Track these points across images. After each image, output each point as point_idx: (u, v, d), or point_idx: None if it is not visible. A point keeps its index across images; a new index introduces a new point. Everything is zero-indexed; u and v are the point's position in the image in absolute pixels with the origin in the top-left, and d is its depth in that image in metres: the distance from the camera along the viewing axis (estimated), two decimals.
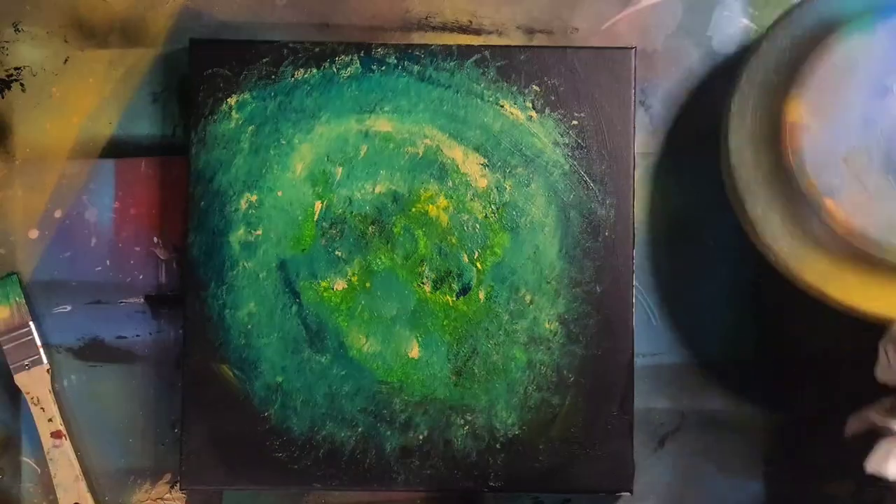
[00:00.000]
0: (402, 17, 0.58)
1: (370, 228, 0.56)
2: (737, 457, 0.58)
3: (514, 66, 0.56)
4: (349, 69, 0.56)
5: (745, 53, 0.56)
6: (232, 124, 0.55)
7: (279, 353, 0.55)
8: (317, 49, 0.56)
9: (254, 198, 0.55)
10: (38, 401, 0.56)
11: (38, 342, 0.57)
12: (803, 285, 0.53)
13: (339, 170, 0.56)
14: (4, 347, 0.57)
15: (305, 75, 0.56)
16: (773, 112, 0.53)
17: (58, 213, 0.58)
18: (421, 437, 0.55)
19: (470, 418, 0.55)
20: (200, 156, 0.55)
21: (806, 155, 0.52)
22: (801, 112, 0.53)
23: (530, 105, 0.56)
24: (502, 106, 0.56)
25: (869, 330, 0.59)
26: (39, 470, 0.58)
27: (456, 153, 0.56)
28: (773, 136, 0.53)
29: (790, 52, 0.54)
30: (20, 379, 0.56)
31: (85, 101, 0.58)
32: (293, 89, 0.56)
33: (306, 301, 0.55)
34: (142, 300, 0.58)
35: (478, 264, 0.55)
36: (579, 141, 0.56)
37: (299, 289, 0.55)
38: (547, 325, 0.55)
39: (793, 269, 0.53)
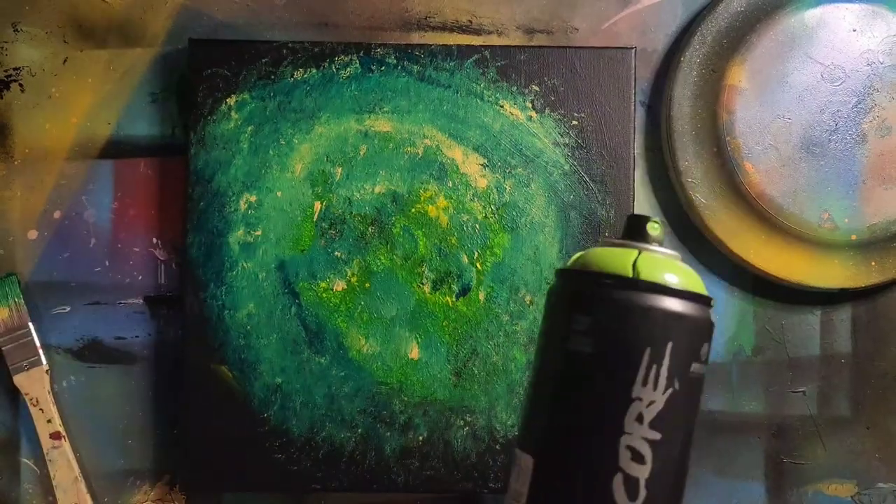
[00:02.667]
0: (402, 17, 0.58)
1: (369, 229, 0.55)
2: (737, 457, 0.58)
3: (514, 66, 0.55)
4: (349, 69, 0.55)
5: (703, 12, 0.58)
6: (231, 124, 0.55)
7: (278, 353, 0.55)
8: (316, 49, 0.55)
9: (253, 198, 0.55)
10: (37, 402, 0.56)
11: (37, 343, 0.57)
12: (710, 236, 0.57)
13: (339, 170, 0.55)
14: (3, 348, 0.56)
15: (305, 75, 0.55)
16: (716, 72, 0.56)
17: (57, 214, 0.58)
18: (421, 438, 0.55)
19: (470, 419, 0.55)
20: (199, 156, 0.55)
21: (737, 117, 0.56)
22: (741, 77, 0.56)
23: (530, 105, 0.55)
24: (502, 106, 0.55)
25: (869, 330, 0.59)
26: (38, 471, 0.57)
27: (456, 153, 0.55)
28: (712, 94, 0.56)
29: (742, 19, 0.56)
30: (19, 380, 0.56)
31: (84, 101, 0.58)
32: (293, 89, 0.55)
33: (306, 302, 0.55)
34: (141, 301, 0.58)
35: (477, 265, 0.55)
36: (579, 141, 0.55)
37: (298, 289, 0.55)
38: None
39: (704, 220, 0.56)
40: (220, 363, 0.55)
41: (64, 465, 0.56)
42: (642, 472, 0.33)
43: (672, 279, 0.35)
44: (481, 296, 0.55)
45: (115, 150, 0.58)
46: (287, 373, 0.55)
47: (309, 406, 0.55)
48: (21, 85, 0.58)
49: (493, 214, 0.55)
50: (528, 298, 0.55)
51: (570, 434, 0.34)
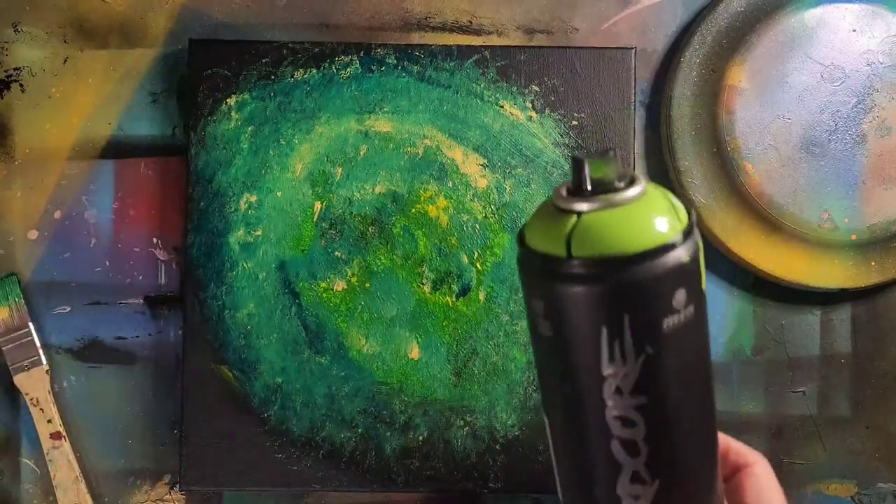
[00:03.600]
0: (402, 17, 0.58)
1: (370, 229, 0.56)
2: None
3: (514, 66, 0.55)
4: (349, 69, 0.56)
5: (703, 12, 0.58)
6: (231, 125, 0.55)
7: (279, 353, 0.55)
8: (316, 49, 0.55)
9: (253, 198, 0.55)
10: (38, 402, 0.56)
11: (38, 343, 0.57)
12: (710, 236, 0.57)
13: (339, 170, 0.56)
14: (4, 348, 0.56)
15: (305, 75, 0.55)
16: (716, 72, 0.56)
17: (57, 214, 0.58)
18: (421, 438, 0.55)
19: (470, 419, 0.55)
20: (200, 156, 0.55)
21: (737, 117, 0.56)
22: (741, 77, 0.56)
23: (530, 105, 0.56)
24: (502, 106, 0.55)
25: (868, 330, 0.59)
26: (39, 471, 0.58)
27: (456, 153, 0.55)
28: (712, 94, 0.56)
29: (742, 19, 0.56)
30: (19, 380, 0.56)
31: (84, 101, 0.58)
32: (293, 89, 0.56)
33: (306, 302, 0.55)
34: (141, 301, 0.58)
35: (478, 265, 0.55)
36: (579, 141, 0.55)
37: (299, 289, 0.55)
38: None
39: (704, 220, 0.57)
40: (221, 363, 0.55)
41: (64, 465, 0.56)
42: (637, 434, 0.32)
43: (616, 243, 0.30)
44: (481, 296, 0.55)
45: (116, 150, 0.58)
46: (287, 373, 0.55)
47: (309, 406, 0.55)
48: (21, 85, 0.58)
49: (493, 214, 0.55)
50: None
51: (563, 408, 0.33)
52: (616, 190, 0.31)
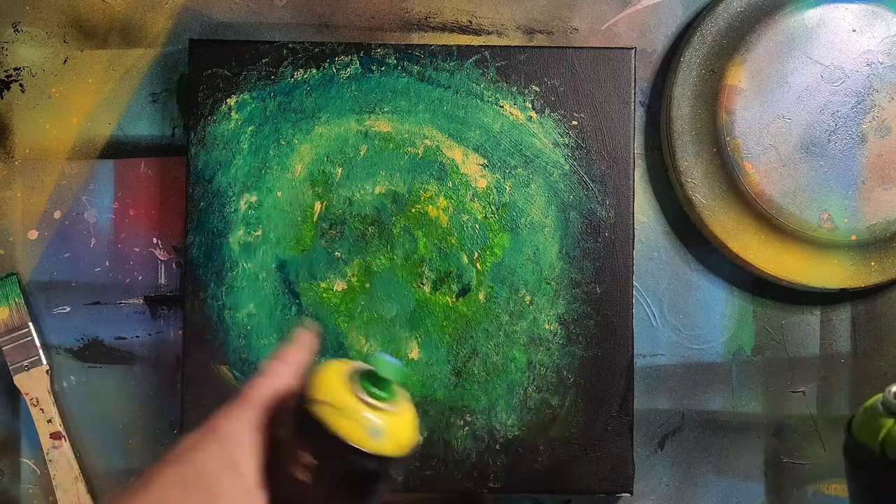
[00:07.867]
0: (402, 18, 0.58)
1: (370, 229, 0.56)
2: (737, 457, 0.58)
3: (514, 66, 0.55)
4: (349, 69, 0.56)
5: (703, 12, 0.58)
6: (231, 125, 0.55)
7: None
8: (317, 49, 0.55)
9: (253, 198, 0.55)
10: (38, 402, 0.56)
11: (38, 343, 0.57)
12: (710, 236, 0.57)
13: (339, 170, 0.56)
14: (4, 348, 0.56)
15: (305, 75, 0.55)
16: (716, 72, 0.56)
17: (57, 214, 0.58)
18: (420, 438, 0.55)
19: (470, 419, 0.55)
20: (200, 156, 0.55)
21: (737, 117, 0.56)
22: (741, 77, 0.56)
23: (530, 105, 0.56)
24: (502, 106, 0.55)
25: (869, 331, 0.59)
26: (39, 471, 0.58)
27: (456, 154, 0.55)
28: (712, 94, 0.56)
29: (742, 19, 0.56)
30: (19, 380, 0.56)
31: (84, 101, 0.58)
32: (293, 89, 0.56)
33: (306, 302, 0.55)
34: (141, 301, 0.58)
35: (478, 265, 0.55)
36: (579, 141, 0.55)
37: (299, 289, 0.55)
38: (547, 326, 0.55)
39: (704, 220, 0.57)
40: (221, 363, 0.55)
41: (64, 465, 0.56)
42: None
43: None
44: (481, 296, 0.55)
45: (116, 150, 0.58)
46: None
47: None
48: (21, 85, 0.58)
49: (493, 214, 0.55)
50: (527, 298, 0.55)
51: None
52: None
